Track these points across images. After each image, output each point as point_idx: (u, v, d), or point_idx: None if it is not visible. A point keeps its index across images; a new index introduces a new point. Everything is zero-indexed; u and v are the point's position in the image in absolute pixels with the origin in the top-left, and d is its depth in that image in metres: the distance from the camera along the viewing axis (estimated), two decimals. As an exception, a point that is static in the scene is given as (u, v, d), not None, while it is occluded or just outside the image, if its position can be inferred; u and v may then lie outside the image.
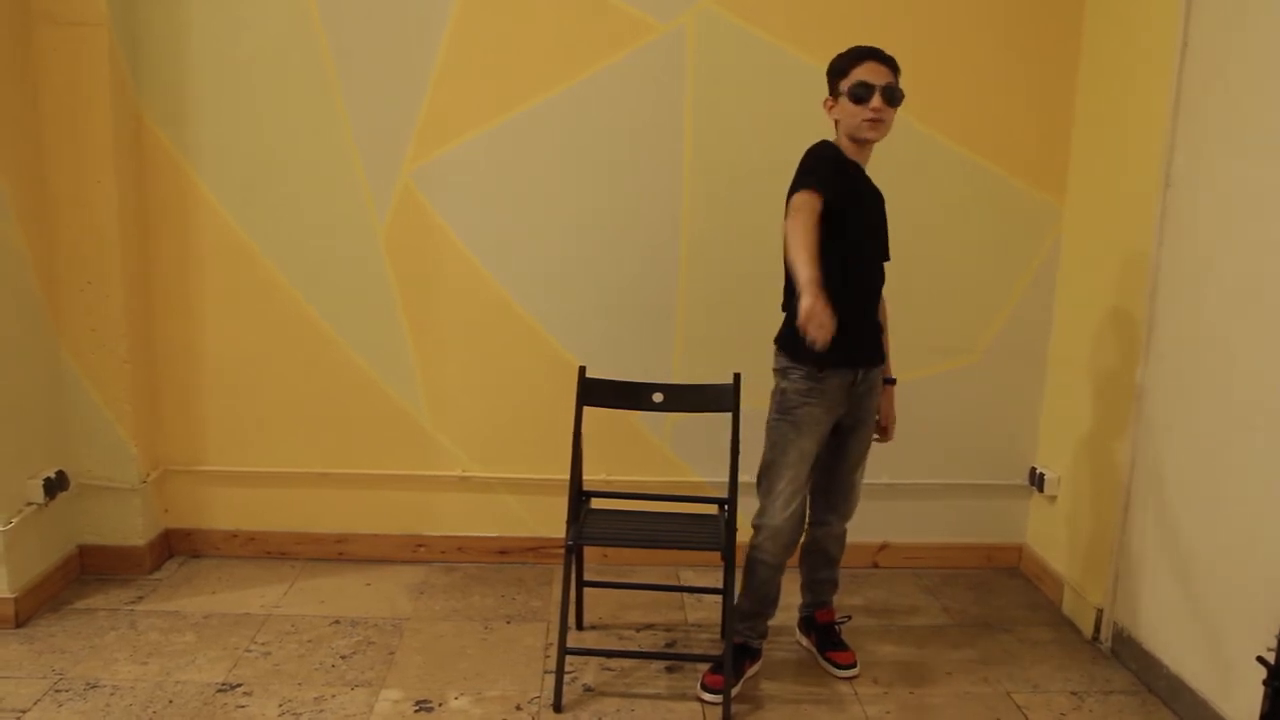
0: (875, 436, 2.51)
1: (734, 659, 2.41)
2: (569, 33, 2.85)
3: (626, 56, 2.87)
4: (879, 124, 2.22)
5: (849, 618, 2.72)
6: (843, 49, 2.26)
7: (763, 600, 2.45)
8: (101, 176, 2.70)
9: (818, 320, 1.92)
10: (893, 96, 2.22)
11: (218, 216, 2.91)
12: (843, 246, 2.23)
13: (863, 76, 2.21)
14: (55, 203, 2.72)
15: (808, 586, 2.64)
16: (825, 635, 2.60)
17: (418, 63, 2.85)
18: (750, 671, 2.50)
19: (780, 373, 2.35)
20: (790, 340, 2.31)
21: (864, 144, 2.28)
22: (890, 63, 2.24)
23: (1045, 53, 2.92)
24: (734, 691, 2.37)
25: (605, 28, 2.85)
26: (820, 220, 2.10)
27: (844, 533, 2.56)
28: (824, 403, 2.31)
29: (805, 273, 1.97)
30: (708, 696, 2.37)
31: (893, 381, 2.52)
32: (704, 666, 2.46)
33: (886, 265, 2.41)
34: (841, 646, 2.58)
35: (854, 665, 2.53)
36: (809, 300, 1.93)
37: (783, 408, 2.33)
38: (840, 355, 2.22)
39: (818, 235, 2.06)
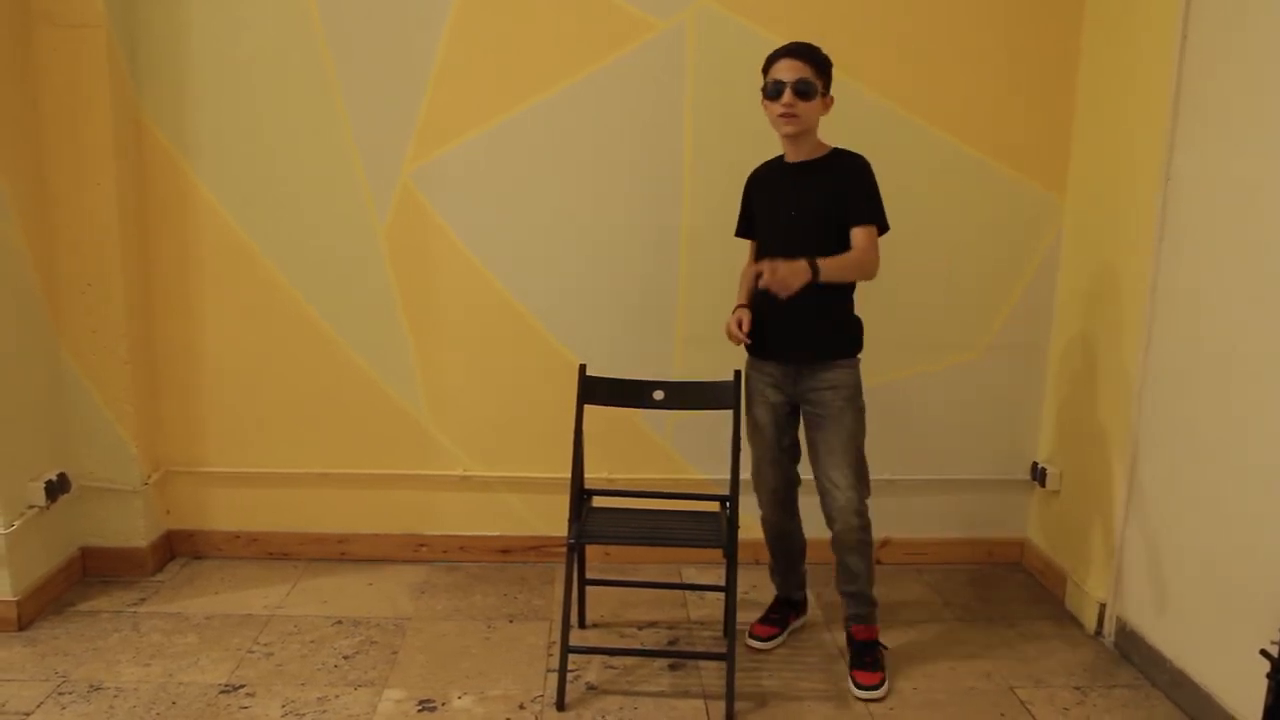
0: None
1: (779, 612, 2.67)
2: (569, 32, 2.85)
3: (626, 55, 2.87)
4: (792, 119, 2.29)
5: (887, 648, 2.53)
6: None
7: (783, 554, 2.63)
8: (101, 177, 2.70)
9: (734, 321, 2.43)
10: (805, 90, 2.27)
11: (218, 216, 2.91)
12: (761, 252, 2.43)
13: (775, 74, 2.30)
14: (55, 203, 2.72)
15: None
16: (857, 653, 2.46)
17: (417, 62, 2.85)
18: (795, 624, 2.70)
19: None
20: None
21: (791, 139, 2.34)
22: (808, 56, 2.28)
23: (1045, 52, 2.92)
24: (779, 641, 2.63)
25: (605, 27, 2.85)
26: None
27: (850, 541, 2.39)
28: (763, 378, 2.47)
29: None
30: (756, 644, 2.59)
31: (812, 263, 2.21)
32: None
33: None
34: (868, 668, 2.42)
35: (876, 688, 2.37)
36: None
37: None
38: (761, 347, 2.45)
39: (748, 271, 2.52)
